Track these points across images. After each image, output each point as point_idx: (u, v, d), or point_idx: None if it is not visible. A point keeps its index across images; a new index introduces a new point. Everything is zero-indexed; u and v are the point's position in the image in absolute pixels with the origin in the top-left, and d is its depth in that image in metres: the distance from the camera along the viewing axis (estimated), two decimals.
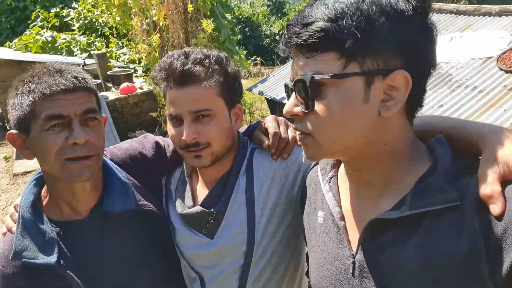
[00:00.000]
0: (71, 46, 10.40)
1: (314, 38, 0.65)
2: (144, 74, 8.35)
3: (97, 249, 1.04)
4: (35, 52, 9.64)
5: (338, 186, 0.87)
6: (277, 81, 7.11)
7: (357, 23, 0.62)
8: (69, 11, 12.67)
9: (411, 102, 0.69)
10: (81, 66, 7.09)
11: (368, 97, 0.66)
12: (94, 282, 1.01)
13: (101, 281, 1.02)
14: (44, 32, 10.68)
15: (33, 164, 6.19)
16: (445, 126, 0.77)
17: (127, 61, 9.70)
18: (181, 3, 6.36)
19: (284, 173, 1.12)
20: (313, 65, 0.67)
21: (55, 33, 10.87)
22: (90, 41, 10.81)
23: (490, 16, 5.96)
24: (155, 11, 6.21)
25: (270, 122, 1.16)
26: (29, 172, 6.26)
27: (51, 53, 9.90)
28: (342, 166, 0.88)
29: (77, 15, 12.32)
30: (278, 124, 1.16)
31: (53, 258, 0.93)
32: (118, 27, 8.74)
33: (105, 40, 11.28)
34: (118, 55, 10.19)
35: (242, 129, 1.24)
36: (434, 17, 0.69)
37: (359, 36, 0.62)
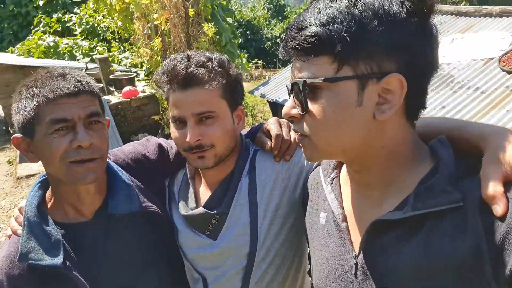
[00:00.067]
0: (73, 51, 10.45)
1: (307, 42, 0.66)
2: (146, 77, 8.38)
3: (102, 251, 1.05)
4: (37, 57, 9.70)
5: (340, 187, 0.87)
6: (278, 83, 7.12)
7: (348, 28, 0.63)
8: (71, 16, 12.73)
9: (410, 104, 0.69)
10: (83, 70, 7.11)
11: (362, 100, 0.66)
12: (99, 283, 1.01)
13: (106, 282, 1.03)
14: (46, 37, 10.73)
15: (36, 167, 6.22)
16: (447, 127, 0.77)
17: (129, 65, 9.73)
18: (182, 7, 6.39)
19: (286, 175, 1.12)
20: (308, 69, 0.68)
21: (57, 38, 10.92)
22: (92, 46, 10.86)
23: (491, 17, 5.95)
24: (156, 16, 6.24)
25: (272, 124, 1.16)
26: (33, 175, 6.28)
27: (53, 58, 9.95)
28: (344, 167, 0.88)
29: (79, 20, 12.38)
30: (280, 126, 1.16)
31: (59, 260, 0.94)
32: (119, 31, 8.77)
33: (107, 45, 11.33)
34: (120, 59, 10.23)
35: (245, 131, 1.25)
36: (435, 19, 0.68)
37: (349, 40, 0.63)
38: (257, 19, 23.90)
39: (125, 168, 1.15)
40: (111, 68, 7.72)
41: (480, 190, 0.63)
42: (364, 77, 0.65)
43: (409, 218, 0.67)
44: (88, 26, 12.13)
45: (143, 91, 7.32)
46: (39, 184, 1.06)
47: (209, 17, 7.40)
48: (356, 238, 0.78)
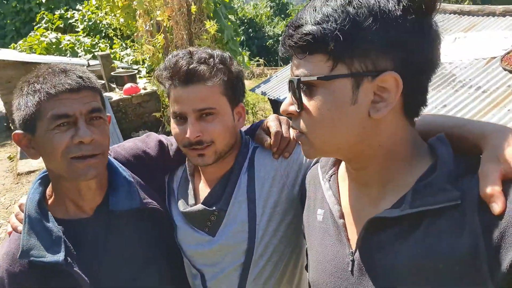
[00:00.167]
0: (75, 48, 10.47)
1: (303, 40, 0.66)
2: (147, 75, 8.39)
3: (102, 247, 1.05)
4: (39, 54, 9.72)
5: (338, 184, 0.87)
6: (280, 81, 7.12)
7: (341, 26, 0.63)
8: (74, 13, 12.75)
9: (408, 102, 0.69)
10: (85, 67, 7.13)
11: (357, 98, 0.66)
12: (100, 279, 1.02)
13: (106, 278, 1.03)
14: (48, 34, 10.75)
15: (37, 164, 6.24)
16: (448, 125, 0.77)
17: (131, 62, 9.75)
18: (185, 5, 6.38)
19: (285, 172, 1.12)
20: (304, 66, 0.69)
21: (60, 34, 10.94)
22: (94, 43, 10.87)
23: (494, 16, 5.93)
24: (159, 12, 6.23)
25: (272, 121, 1.16)
26: (33, 171, 6.30)
27: (55, 54, 9.97)
28: (342, 164, 0.88)
29: (81, 17, 12.39)
30: (280, 123, 1.16)
31: (60, 256, 0.94)
32: (121, 28, 8.78)
33: (109, 42, 11.34)
34: (122, 56, 10.24)
35: (245, 128, 1.25)
36: (438, 17, 0.67)
37: (343, 39, 0.63)
38: (259, 16, 23.86)
39: (125, 164, 1.16)
40: (112, 65, 7.73)
41: (478, 188, 0.62)
42: (358, 75, 0.65)
43: (406, 216, 0.67)
44: (90, 23, 12.14)
45: (145, 88, 7.33)
46: (39, 181, 1.06)
47: (211, 14, 7.41)
48: (353, 235, 0.78)
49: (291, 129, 1.16)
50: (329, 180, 0.88)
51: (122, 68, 8.61)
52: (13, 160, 7.15)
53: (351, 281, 0.76)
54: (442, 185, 0.66)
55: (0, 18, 14.40)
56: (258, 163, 1.15)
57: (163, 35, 6.36)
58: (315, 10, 0.66)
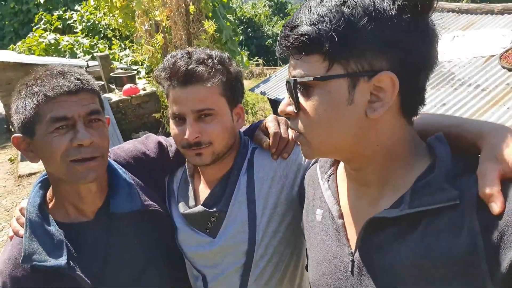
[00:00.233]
0: (74, 48, 10.46)
1: (298, 41, 0.66)
2: (146, 75, 8.38)
3: (104, 250, 1.05)
4: (38, 55, 9.71)
5: (337, 184, 0.87)
6: (279, 81, 7.12)
7: (336, 27, 0.62)
8: (72, 14, 12.73)
9: (405, 101, 0.68)
10: (84, 68, 7.13)
11: (353, 98, 0.66)
12: (102, 282, 1.02)
13: (108, 281, 1.03)
14: (47, 35, 10.74)
15: (37, 166, 6.22)
16: (446, 124, 0.77)
17: (130, 62, 9.73)
18: (183, 5, 6.38)
19: (284, 172, 1.12)
20: (301, 67, 0.69)
21: (58, 35, 10.93)
22: (93, 43, 10.86)
23: (492, 14, 5.93)
24: (157, 13, 6.23)
25: (270, 122, 1.16)
26: (34, 173, 6.30)
27: (54, 55, 9.96)
28: (341, 164, 0.88)
29: (79, 18, 12.37)
30: (278, 123, 1.16)
31: (63, 260, 0.94)
32: (120, 29, 8.78)
33: (107, 42, 11.33)
34: (121, 56, 10.23)
35: (243, 129, 1.25)
36: (436, 16, 0.67)
37: (338, 39, 0.62)
38: (258, 16, 23.83)
39: (125, 166, 1.15)
40: (112, 65, 7.72)
41: (477, 188, 0.62)
42: (354, 75, 0.65)
43: (405, 216, 0.67)
44: (89, 24, 12.13)
45: (144, 89, 7.32)
46: (39, 184, 1.06)
47: (210, 14, 7.40)
48: (353, 235, 0.78)
49: (289, 130, 1.15)
50: (328, 180, 0.88)
51: (121, 69, 8.60)
52: (14, 162, 7.14)
53: (351, 281, 0.76)
54: (440, 185, 0.66)
55: None
56: (257, 164, 1.15)
57: (162, 35, 6.35)
58: (310, 10, 0.66)
